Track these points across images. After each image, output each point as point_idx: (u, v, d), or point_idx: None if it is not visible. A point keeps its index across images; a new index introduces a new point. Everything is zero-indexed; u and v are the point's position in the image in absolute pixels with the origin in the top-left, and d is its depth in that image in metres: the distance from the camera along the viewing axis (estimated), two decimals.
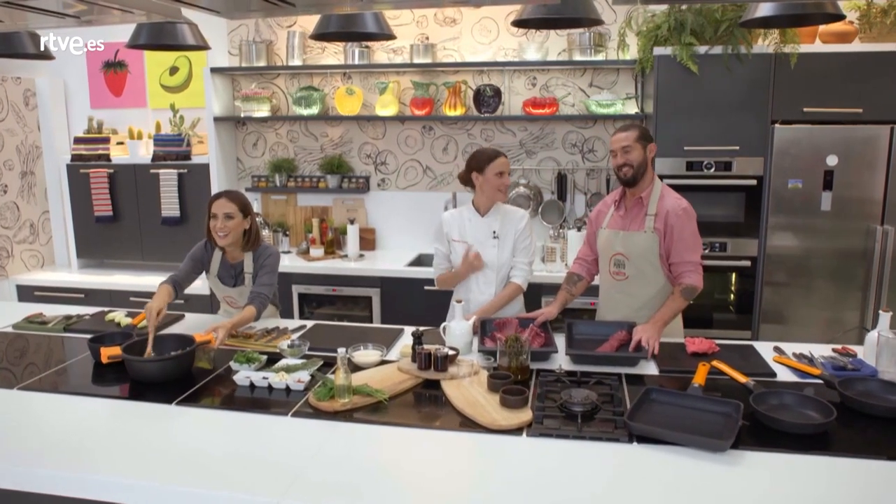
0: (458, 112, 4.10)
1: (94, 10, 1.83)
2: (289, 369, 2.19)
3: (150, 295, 4.03)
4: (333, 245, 4.29)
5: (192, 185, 4.26)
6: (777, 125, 3.42)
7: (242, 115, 4.35)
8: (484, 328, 2.59)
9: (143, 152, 4.40)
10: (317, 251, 4.20)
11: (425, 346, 2.23)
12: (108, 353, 2.27)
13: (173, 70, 4.50)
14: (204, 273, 2.90)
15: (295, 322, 2.88)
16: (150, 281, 4.22)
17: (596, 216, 2.84)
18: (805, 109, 3.39)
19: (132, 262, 4.53)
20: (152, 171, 4.28)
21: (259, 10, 2.08)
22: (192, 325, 2.86)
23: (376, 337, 2.59)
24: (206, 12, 1.95)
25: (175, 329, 2.80)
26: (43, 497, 1.71)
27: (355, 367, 2.27)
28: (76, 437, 1.86)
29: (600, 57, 3.91)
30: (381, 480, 1.62)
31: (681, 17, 3.42)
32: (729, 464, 1.67)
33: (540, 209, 4.16)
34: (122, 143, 4.45)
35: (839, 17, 2.35)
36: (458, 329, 2.43)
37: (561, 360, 2.37)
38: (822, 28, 3.44)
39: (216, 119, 4.29)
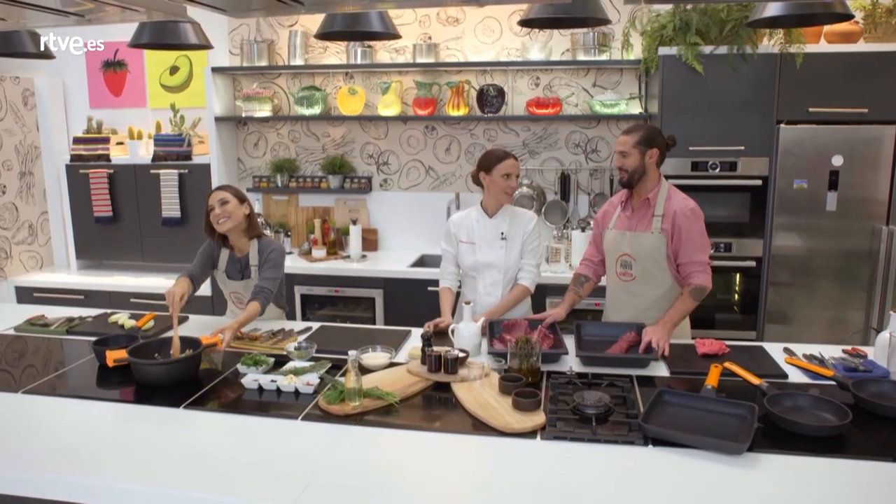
0: (462, 112, 4.08)
1: (97, 8, 1.81)
2: (297, 372, 2.17)
3: (150, 296, 4.09)
4: (335, 246, 4.27)
5: (193, 186, 4.23)
6: (782, 125, 3.41)
7: (244, 115, 4.33)
8: (492, 330, 2.57)
9: (144, 152, 4.36)
10: (319, 252, 4.17)
11: (435, 349, 2.21)
12: (114, 356, 2.24)
13: (173, 70, 4.46)
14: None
15: (300, 324, 2.86)
16: (151, 282, 4.19)
17: (602, 217, 2.83)
18: (810, 109, 3.38)
19: (132, 263, 4.50)
20: (153, 171, 4.25)
21: (266, 8, 2.06)
22: (197, 326, 2.84)
23: (383, 339, 2.56)
24: (212, 10, 1.92)
25: (180, 331, 2.76)
26: (47, 503, 1.68)
27: (364, 370, 2.25)
28: (81, 441, 1.83)
29: (604, 57, 3.90)
30: (394, 485, 1.60)
31: (686, 17, 3.41)
32: (745, 466, 1.65)
33: (543, 209, 4.14)
34: (121, 144, 4.42)
35: (848, 16, 2.34)
36: (467, 331, 2.42)
37: (571, 362, 2.35)
38: (826, 28, 3.43)
39: (217, 119, 4.27)
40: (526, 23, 2.45)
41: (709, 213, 2.65)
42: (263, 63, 4.24)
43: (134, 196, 4.33)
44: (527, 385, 2.05)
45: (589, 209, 4.16)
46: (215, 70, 4.22)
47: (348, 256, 4.18)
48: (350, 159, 4.44)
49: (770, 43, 3.40)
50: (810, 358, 2.35)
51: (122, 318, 2.87)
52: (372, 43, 4.09)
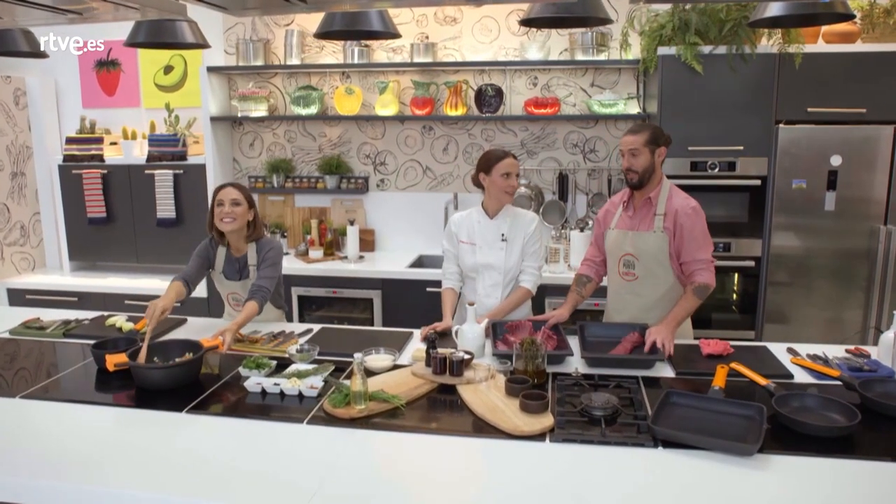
0: (459, 112, 4.06)
1: (90, 7, 1.77)
2: (300, 375, 2.14)
3: (145, 297, 4.03)
4: (332, 246, 4.24)
5: (188, 186, 4.18)
6: (781, 125, 3.41)
7: (239, 115, 4.29)
8: (495, 331, 2.55)
9: (138, 152, 4.31)
10: (316, 253, 4.14)
11: (440, 351, 2.19)
12: (115, 360, 2.20)
13: (168, 69, 4.42)
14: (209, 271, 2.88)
15: (301, 326, 2.83)
16: (145, 284, 4.15)
17: (603, 217, 2.82)
18: (809, 109, 3.39)
19: (126, 265, 4.45)
20: (147, 171, 4.20)
21: (266, 6, 2.03)
22: (195, 329, 2.80)
23: (385, 340, 2.54)
24: (213, 8, 1.89)
25: (179, 334, 2.74)
26: None
27: (367, 372, 2.22)
28: (81, 447, 1.79)
29: (602, 56, 3.89)
30: (403, 490, 1.58)
31: (685, 17, 3.41)
32: (754, 467, 1.65)
33: (541, 210, 4.13)
34: (115, 144, 4.37)
35: (849, 16, 2.34)
36: (471, 332, 2.40)
37: (576, 363, 2.34)
38: (825, 28, 3.44)
39: (212, 119, 4.22)
40: (526, 22, 2.44)
41: (708, 213, 2.65)
42: (259, 62, 4.21)
43: (128, 197, 4.28)
44: (533, 387, 2.04)
45: (587, 209, 4.15)
46: (210, 69, 4.18)
47: (345, 257, 4.15)
48: (347, 159, 4.41)
49: (769, 43, 3.41)
50: (814, 358, 2.35)
51: (120, 320, 2.83)
52: (369, 42, 4.06)
